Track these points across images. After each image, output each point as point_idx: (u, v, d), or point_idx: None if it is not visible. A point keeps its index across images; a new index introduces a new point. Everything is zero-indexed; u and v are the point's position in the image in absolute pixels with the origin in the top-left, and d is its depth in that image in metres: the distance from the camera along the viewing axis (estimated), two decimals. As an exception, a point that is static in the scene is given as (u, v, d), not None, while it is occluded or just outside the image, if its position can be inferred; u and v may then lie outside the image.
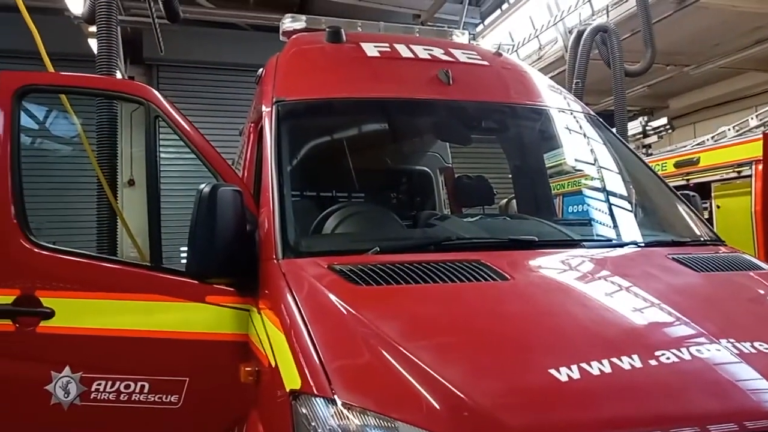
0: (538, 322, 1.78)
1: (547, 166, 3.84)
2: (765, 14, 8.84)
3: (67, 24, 8.15)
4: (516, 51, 10.85)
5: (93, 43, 5.49)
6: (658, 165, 7.14)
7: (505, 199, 4.75)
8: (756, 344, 1.62)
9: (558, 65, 10.04)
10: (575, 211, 5.95)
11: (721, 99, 12.54)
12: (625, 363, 1.51)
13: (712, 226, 2.94)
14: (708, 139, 7.34)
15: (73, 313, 2.40)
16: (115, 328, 2.39)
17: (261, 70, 3.30)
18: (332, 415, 1.44)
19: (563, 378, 1.45)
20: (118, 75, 5.23)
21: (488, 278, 1.92)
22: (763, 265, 2.34)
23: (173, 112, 2.63)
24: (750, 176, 5.87)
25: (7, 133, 2.47)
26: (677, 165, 6.86)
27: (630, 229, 2.67)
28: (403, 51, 3.08)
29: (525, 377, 1.52)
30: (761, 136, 5.96)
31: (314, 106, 2.77)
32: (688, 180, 6.62)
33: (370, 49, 3.05)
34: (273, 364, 1.78)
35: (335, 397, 1.46)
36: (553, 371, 1.47)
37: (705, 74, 11.51)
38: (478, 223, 2.69)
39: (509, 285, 1.92)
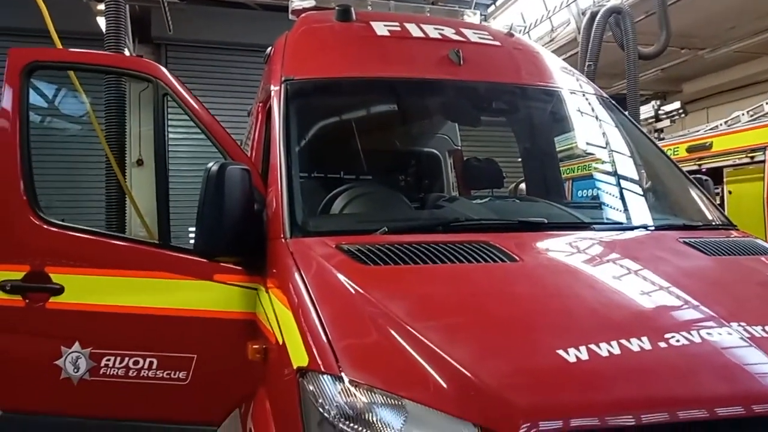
0: (547, 303, 1.76)
1: (558, 149, 3.81)
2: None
3: (76, 2, 8.11)
4: (528, 32, 10.70)
5: (101, 21, 5.46)
6: (670, 149, 7.07)
7: (515, 183, 4.72)
8: (767, 328, 1.60)
9: (570, 47, 9.90)
10: (584, 195, 5.91)
11: (736, 84, 12.33)
12: (634, 345, 1.49)
13: (724, 211, 2.91)
14: (721, 124, 7.23)
15: (83, 289, 2.42)
16: (124, 304, 2.40)
17: (270, 48, 3.28)
18: (339, 393, 1.44)
19: (571, 359, 1.44)
20: (126, 53, 5.22)
21: (497, 259, 1.91)
22: None
23: (182, 89, 2.62)
24: (763, 162, 5.80)
25: (15, 110, 2.47)
26: (689, 150, 6.78)
27: (641, 212, 2.64)
28: (414, 30, 3.04)
29: (533, 358, 1.51)
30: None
31: (323, 85, 2.74)
32: (700, 165, 6.55)
33: (380, 28, 3.01)
34: (280, 342, 1.79)
35: (342, 374, 1.46)
36: (561, 352, 1.46)
37: (720, 58, 11.32)
38: (486, 205, 2.67)
39: (518, 266, 1.90)
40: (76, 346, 2.39)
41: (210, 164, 2.15)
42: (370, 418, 1.40)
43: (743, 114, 7.27)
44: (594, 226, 2.37)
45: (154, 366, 2.37)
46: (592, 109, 3.13)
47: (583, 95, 3.12)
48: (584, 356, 1.45)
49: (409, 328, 1.56)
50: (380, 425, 1.38)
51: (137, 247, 2.51)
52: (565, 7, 9.75)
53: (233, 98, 10.17)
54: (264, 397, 1.95)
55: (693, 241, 2.17)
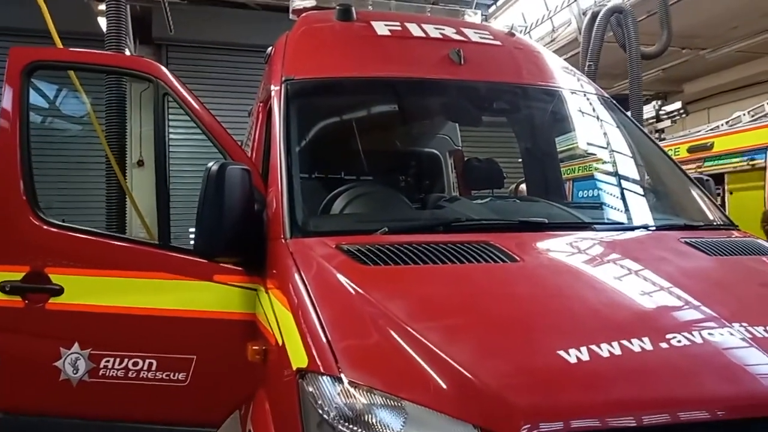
0: (547, 303, 1.75)
1: (559, 149, 3.79)
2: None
3: (77, 2, 8.11)
4: (529, 32, 10.69)
5: (102, 22, 5.46)
6: (671, 150, 7.06)
7: (515, 183, 4.71)
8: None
9: (571, 48, 9.88)
10: (585, 195, 5.89)
11: (737, 84, 12.31)
12: (635, 345, 1.48)
13: (725, 212, 2.90)
14: (722, 124, 7.22)
15: (82, 290, 2.41)
16: (124, 305, 2.40)
17: (270, 48, 3.27)
18: (339, 394, 1.43)
19: (572, 359, 1.43)
20: (127, 54, 5.21)
21: (497, 259, 1.90)
22: None
23: (182, 89, 2.61)
24: (764, 162, 5.79)
25: (16, 109, 2.46)
26: (690, 150, 6.77)
27: (642, 212, 2.63)
28: (414, 30, 3.03)
29: (533, 358, 1.50)
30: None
31: (323, 85, 2.73)
32: (701, 165, 6.54)
33: (381, 28, 3.01)
34: (280, 343, 1.78)
35: (342, 375, 1.45)
36: (561, 352, 1.45)
37: (721, 58, 11.29)
38: (487, 205, 2.66)
39: (518, 266, 1.89)
40: (76, 347, 2.38)
41: (210, 164, 2.14)
42: (370, 420, 1.39)
43: (744, 114, 7.26)
44: (595, 226, 2.36)
45: (154, 367, 2.37)
46: (593, 109, 3.12)
47: (584, 95, 3.11)
48: (585, 357, 1.44)
49: (408, 328, 1.55)
50: (380, 427, 1.38)
51: (137, 248, 2.50)
52: (566, 7, 9.74)
53: (234, 98, 10.16)
54: (264, 399, 1.94)
55: (694, 241, 2.16)
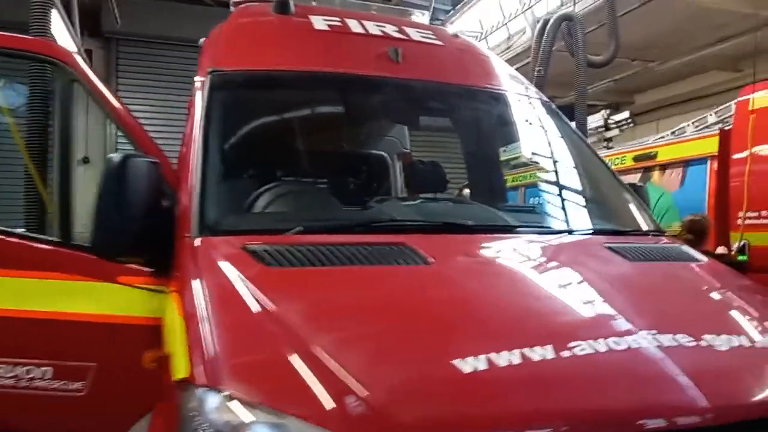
0: (452, 309, 1.64)
1: (506, 156, 3.74)
2: (729, 12, 8.91)
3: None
4: (485, 38, 10.76)
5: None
6: (618, 158, 7.16)
7: (460, 187, 4.65)
8: (678, 337, 1.53)
9: (526, 56, 9.94)
10: (533, 202, 5.88)
11: (685, 96, 12.69)
12: (537, 354, 1.39)
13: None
14: (668, 134, 7.36)
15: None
16: (17, 308, 2.20)
17: (202, 39, 3.13)
18: (218, 408, 1.29)
19: (467, 369, 1.33)
20: (74, 47, 4.93)
21: (409, 262, 1.79)
22: (699, 256, 2.27)
23: (92, 76, 2.43)
24: (705, 172, 5.91)
25: None
26: (636, 159, 6.87)
27: (569, 216, 2.57)
28: (354, 26, 2.92)
29: (426, 369, 1.38)
30: (718, 132, 5.99)
31: (249, 77, 2.59)
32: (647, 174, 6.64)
33: (319, 23, 2.89)
34: (170, 351, 1.63)
35: (223, 388, 1.32)
36: (457, 362, 1.35)
37: (670, 71, 11.61)
38: (414, 206, 2.56)
39: (430, 269, 1.79)
40: (-39, 353, 2.17)
41: (112, 155, 1.97)
42: None
43: (689, 125, 7.43)
44: (518, 229, 2.27)
45: (48, 376, 2.18)
46: (534, 114, 3.07)
47: (526, 99, 3.06)
48: (482, 367, 1.34)
49: (301, 336, 1.42)
50: None
51: (34, 246, 2.31)
52: (521, 14, 9.84)
53: (185, 95, 9.89)
54: (159, 412, 1.79)
55: (617, 247, 2.10)
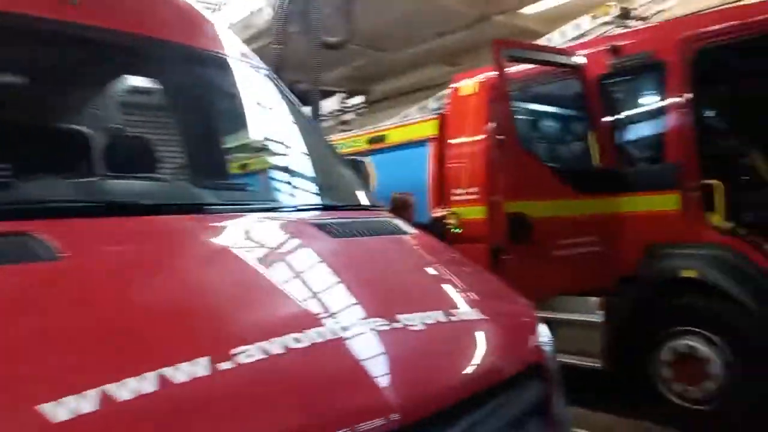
0: (69, 326, 1.16)
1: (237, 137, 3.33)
2: (449, 8, 9.89)
3: None
4: (220, 10, 10.14)
5: None
6: (354, 141, 7.37)
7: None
8: (371, 323, 1.34)
9: (267, 35, 9.73)
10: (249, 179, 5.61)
11: (414, 87, 13.89)
12: (182, 374, 1.04)
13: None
14: (396, 119, 7.87)
15: None
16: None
17: None
18: None
19: (63, 415, 0.91)
20: None
21: (27, 258, 1.30)
22: (410, 230, 2.25)
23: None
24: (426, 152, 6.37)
25: None
26: (370, 141, 7.15)
27: (277, 192, 2.35)
28: None
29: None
30: (437, 116, 6.52)
31: None
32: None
33: None
34: None
35: None
36: (48, 408, 0.92)
37: (401, 62, 12.59)
38: (80, 185, 2.01)
39: (55, 267, 1.31)
40: None
41: None
42: None
43: (414, 110, 8.03)
44: (209, 208, 1.91)
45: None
46: (249, 81, 2.76)
47: (243, 65, 2.72)
48: (86, 408, 0.94)
49: None
50: None
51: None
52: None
53: None
54: None
55: (322, 222, 1.92)
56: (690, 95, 4.62)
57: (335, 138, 7.64)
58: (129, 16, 2.38)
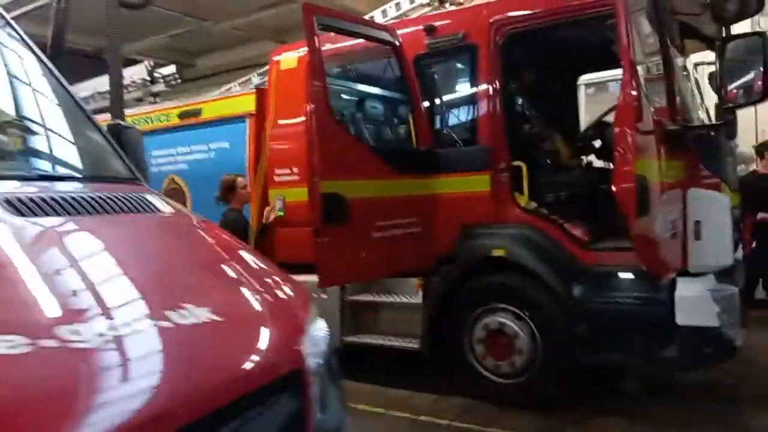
0: None
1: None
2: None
3: None
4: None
5: None
6: (163, 115, 6.59)
7: None
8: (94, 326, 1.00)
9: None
10: None
11: (244, 63, 13.08)
12: None
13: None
14: (214, 93, 7.19)
15: None
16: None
17: None
18: None
19: None
20: None
21: None
22: (167, 208, 1.82)
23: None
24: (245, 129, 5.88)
25: None
26: (181, 116, 6.43)
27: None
28: None
29: None
30: (255, 90, 6.03)
31: None
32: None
33: None
34: None
35: None
36: None
37: (228, 35, 11.74)
38: None
39: None
40: None
41: None
42: None
43: (235, 85, 7.42)
44: None
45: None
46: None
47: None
48: None
49: None
50: None
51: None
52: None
53: None
54: None
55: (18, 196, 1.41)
56: (500, 79, 4.72)
57: (141, 111, 6.77)
58: None
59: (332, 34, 4.60)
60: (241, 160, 5.90)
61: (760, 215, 6.50)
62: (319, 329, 1.55)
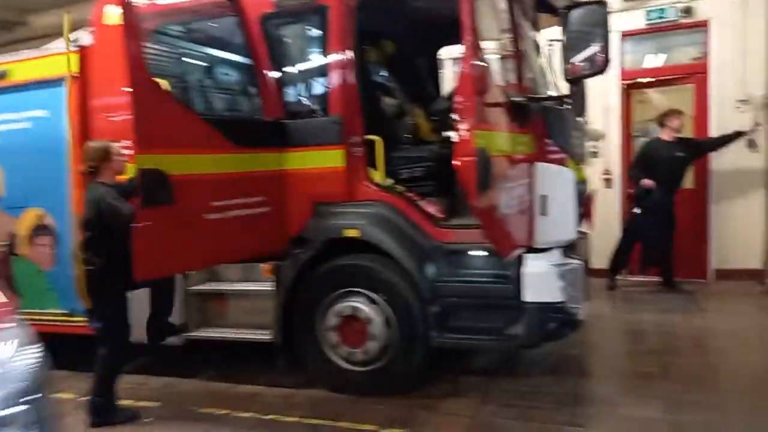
0: None
1: None
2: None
3: None
4: None
5: None
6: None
7: None
8: None
9: None
10: None
11: (80, 24, 11.61)
12: None
13: None
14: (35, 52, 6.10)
15: None
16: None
17: None
18: None
19: None
20: None
21: None
22: None
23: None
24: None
25: None
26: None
27: None
28: None
29: None
30: (77, 49, 5.15)
31: None
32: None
33: None
34: None
35: None
36: None
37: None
38: None
39: None
40: None
41: None
42: None
43: (58, 43, 6.37)
44: None
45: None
46: None
47: None
48: None
49: None
50: None
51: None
52: None
53: None
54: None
55: None
56: (354, 45, 4.37)
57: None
58: None
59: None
60: (61, 131, 5.03)
61: (645, 182, 6.71)
62: (21, 359, 1.10)
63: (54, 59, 5.21)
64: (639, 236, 6.91)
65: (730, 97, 7.02)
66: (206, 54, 4.82)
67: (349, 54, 4.34)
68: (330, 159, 4.36)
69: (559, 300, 3.87)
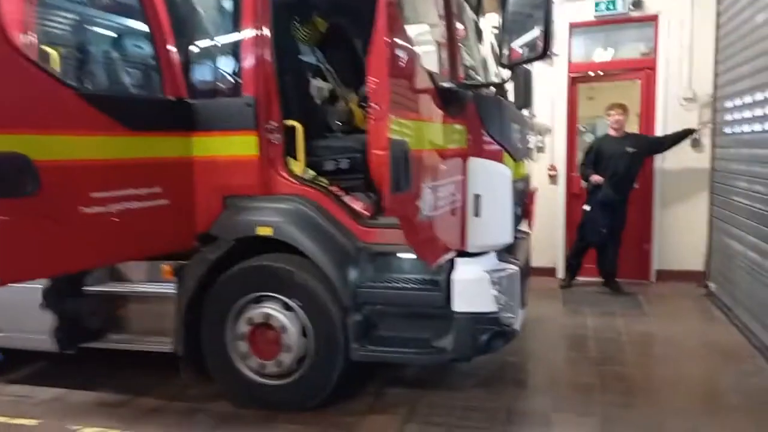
0: None
1: None
2: None
3: None
4: None
5: None
6: None
7: None
8: None
9: None
10: None
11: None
12: None
13: None
14: None
15: None
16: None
17: None
18: None
19: None
20: None
21: None
22: None
23: None
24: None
25: None
26: None
27: None
28: None
29: None
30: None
31: None
32: None
33: None
34: None
35: None
36: None
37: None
38: None
39: None
40: None
41: None
42: None
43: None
44: None
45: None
46: None
47: None
48: None
49: None
50: None
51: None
52: None
53: None
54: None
55: None
56: (273, 18, 3.84)
57: None
58: None
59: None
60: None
61: (594, 178, 6.49)
62: None
63: None
64: (591, 233, 6.66)
65: (676, 94, 6.84)
66: (98, 20, 4.18)
67: (267, 26, 3.81)
68: (242, 146, 3.84)
69: (493, 310, 3.48)
